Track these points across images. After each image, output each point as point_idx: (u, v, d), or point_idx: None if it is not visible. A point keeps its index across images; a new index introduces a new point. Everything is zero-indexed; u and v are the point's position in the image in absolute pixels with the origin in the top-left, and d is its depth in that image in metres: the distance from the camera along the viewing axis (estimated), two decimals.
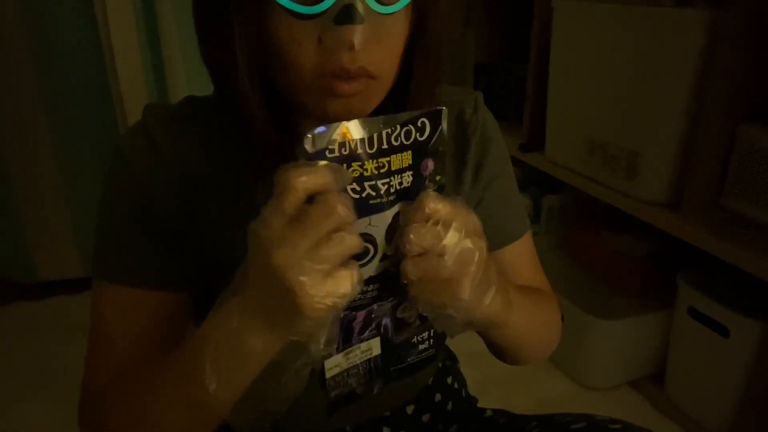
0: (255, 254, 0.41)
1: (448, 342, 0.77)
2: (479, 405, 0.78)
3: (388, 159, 0.43)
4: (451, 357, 0.79)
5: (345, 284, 0.40)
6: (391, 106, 0.50)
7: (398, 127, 0.43)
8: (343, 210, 0.39)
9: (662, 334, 1.44)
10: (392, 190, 0.44)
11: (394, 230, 0.45)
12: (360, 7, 0.44)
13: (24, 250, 1.80)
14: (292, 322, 0.41)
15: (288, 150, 0.47)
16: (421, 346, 0.56)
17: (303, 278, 0.38)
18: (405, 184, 0.44)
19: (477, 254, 0.45)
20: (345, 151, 0.41)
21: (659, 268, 1.49)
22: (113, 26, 1.54)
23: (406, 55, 0.51)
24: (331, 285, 0.39)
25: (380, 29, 0.46)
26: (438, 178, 0.46)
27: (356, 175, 0.42)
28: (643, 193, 1.34)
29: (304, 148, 0.40)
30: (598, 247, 1.62)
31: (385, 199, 0.44)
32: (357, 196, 0.42)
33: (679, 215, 1.25)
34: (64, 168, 1.76)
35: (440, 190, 0.47)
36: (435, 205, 0.43)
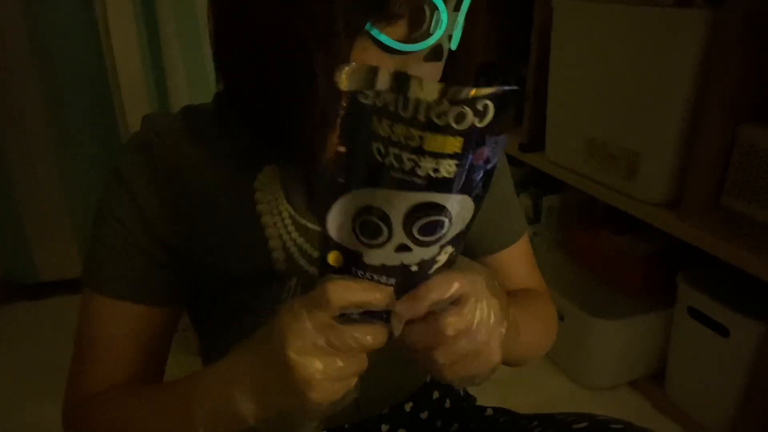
0: (275, 338, 0.41)
1: None
2: (478, 404, 0.78)
3: (421, 134, 0.36)
4: None
5: (345, 391, 0.42)
6: None
7: (445, 103, 0.36)
8: (371, 341, 0.41)
9: (662, 334, 1.44)
10: (421, 173, 0.37)
11: (417, 221, 0.39)
12: (445, 45, 0.48)
13: (24, 250, 1.80)
14: (289, 407, 0.42)
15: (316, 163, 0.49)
16: None
17: (312, 380, 0.40)
18: (444, 174, 0.38)
19: (496, 315, 0.44)
20: (379, 102, 0.37)
21: (659, 268, 1.48)
22: (113, 27, 1.54)
23: None
24: (334, 389, 0.41)
25: (443, 62, 0.50)
26: (488, 167, 0.40)
27: (384, 134, 0.37)
28: (643, 193, 1.34)
29: (338, 83, 0.37)
30: (598, 247, 1.62)
31: (408, 178, 0.38)
32: (379, 159, 0.38)
33: (679, 215, 1.25)
34: (64, 168, 1.76)
35: (465, 236, 0.43)
36: (461, 284, 0.42)
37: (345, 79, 0.37)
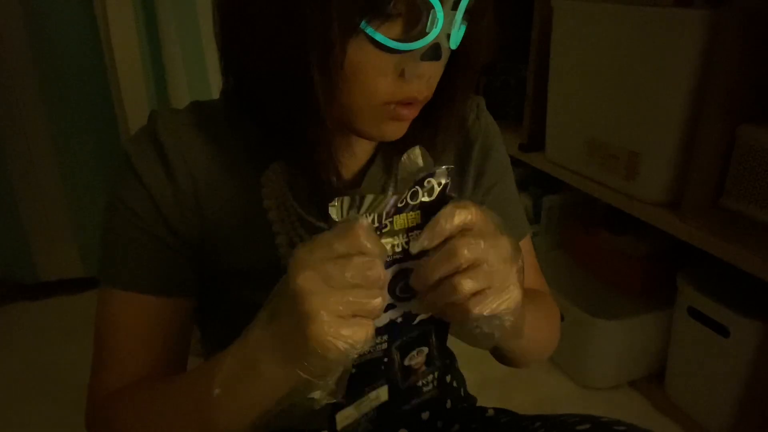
0: (287, 276, 0.41)
1: (448, 341, 0.77)
2: (479, 404, 0.78)
3: (390, 220, 0.44)
4: (450, 356, 0.79)
5: (359, 334, 0.40)
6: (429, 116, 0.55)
7: (406, 192, 0.44)
8: (383, 279, 0.41)
9: (662, 334, 1.44)
10: (399, 249, 0.44)
11: (396, 284, 0.46)
12: (444, 45, 0.47)
13: (24, 250, 1.80)
14: (303, 355, 0.41)
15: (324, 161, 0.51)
16: (425, 389, 0.58)
17: (322, 311, 0.39)
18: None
19: (513, 248, 0.45)
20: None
21: (659, 268, 1.48)
22: (113, 26, 1.53)
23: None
24: (345, 330, 0.39)
25: (444, 62, 0.49)
26: None
27: None
28: (643, 193, 1.34)
29: (331, 215, 0.42)
30: (598, 247, 1.62)
31: (390, 258, 0.44)
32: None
33: (679, 215, 1.25)
34: (64, 168, 1.76)
35: None
36: (466, 215, 0.43)
37: (336, 210, 0.42)
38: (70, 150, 1.74)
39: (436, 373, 0.57)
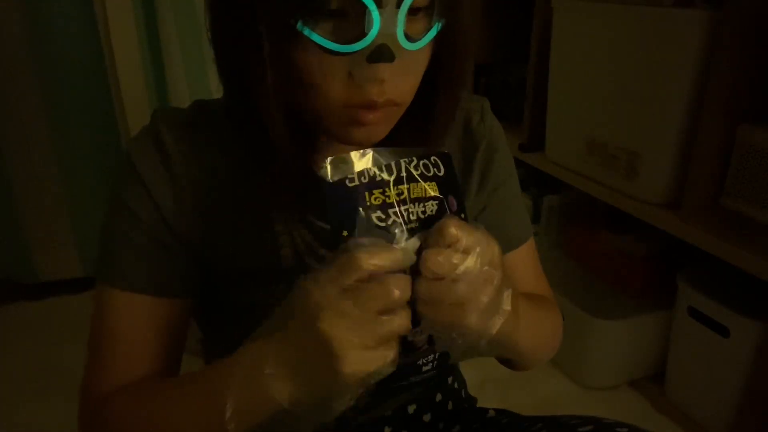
0: (301, 312, 0.41)
1: None
2: (479, 405, 0.78)
3: (407, 186, 0.44)
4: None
5: (387, 357, 0.41)
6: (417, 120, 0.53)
7: (414, 159, 0.44)
8: (399, 294, 0.41)
9: (662, 334, 1.44)
10: (413, 218, 0.44)
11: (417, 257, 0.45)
12: (393, 46, 0.45)
13: (24, 251, 1.80)
14: (324, 383, 0.41)
15: (305, 161, 0.51)
16: (424, 368, 0.57)
17: (350, 351, 0.39)
18: (429, 213, 0.45)
19: (490, 284, 0.44)
20: (364, 179, 0.43)
21: (659, 268, 1.49)
22: (113, 26, 1.54)
23: (430, 71, 0.51)
24: (374, 358, 0.40)
25: (408, 63, 0.47)
26: (462, 216, 0.47)
27: (379, 202, 0.43)
28: (643, 193, 1.34)
29: (324, 177, 0.41)
30: (598, 247, 1.62)
31: (406, 227, 0.44)
32: (383, 224, 0.43)
33: (679, 215, 1.25)
34: (64, 168, 1.75)
35: None
36: (456, 231, 0.43)
37: (329, 173, 0.41)
38: (69, 150, 1.74)
39: (437, 354, 0.57)
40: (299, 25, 0.44)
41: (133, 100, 1.61)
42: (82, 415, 0.58)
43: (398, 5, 0.44)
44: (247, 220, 0.57)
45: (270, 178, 0.54)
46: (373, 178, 0.43)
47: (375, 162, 0.43)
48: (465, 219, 0.47)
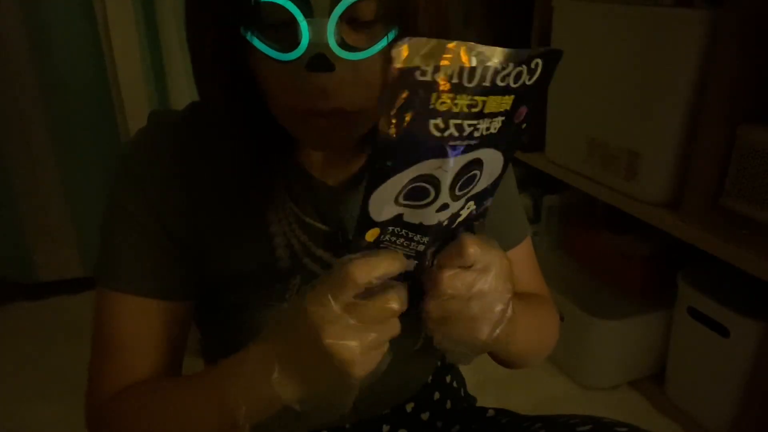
0: (303, 329, 0.42)
1: None
2: (478, 405, 0.78)
3: (484, 99, 0.37)
4: None
5: (382, 357, 0.44)
6: None
7: (511, 66, 0.37)
8: (397, 306, 0.43)
9: (662, 334, 1.44)
10: (476, 134, 0.38)
11: (462, 178, 0.41)
12: (330, 56, 0.43)
13: (24, 250, 1.80)
14: (331, 386, 0.44)
15: (294, 159, 0.51)
16: None
17: (358, 357, 0.42)
18: (492, 130, 0.39)
19: (502, 299, 0.47)
20: (441, 76, 0.35)
21: (659, 268, 1.48)
22: (113, 26, 1.54)
23: None
24: (372, 359, 0.43)
25: (355, 72, 0.45)
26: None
27: (444, 108, 0.36)
28: (643, 193, 1.34)
29: (393, 62, 0.34)
30: (598, 247, 1.62)
31: (465, 143, 0.38)
32: (438, 134, 0.37)
33: (679, 215, 1.25)
34: (64, 168, 1.76)
35: (483, 215, 0.47)
36: (474, 251, 0.45)
37: (404, 54, 0.34)
38: (69, 150, 1.74)
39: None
40: (248, 34, 0.45)
41: (133, 99, 1.61)
42: (88, 416, 0.58)
43: (329, 14, 0.43)
44: (242, 221, 0.57)
45: (262, 178, 0.54)
46: (450, 77, 0.35)
47: (468, 58, 0.35)
48: (524, 130, 0.42)
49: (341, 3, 0.43)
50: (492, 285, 0.46)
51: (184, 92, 1.63)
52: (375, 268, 0.42)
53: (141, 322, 0.57)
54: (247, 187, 0.56)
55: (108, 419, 0.56)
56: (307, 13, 0.43)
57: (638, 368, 1.50)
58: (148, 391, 0.55)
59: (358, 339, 0.41)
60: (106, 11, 1.52)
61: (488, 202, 0.47)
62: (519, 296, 0.59)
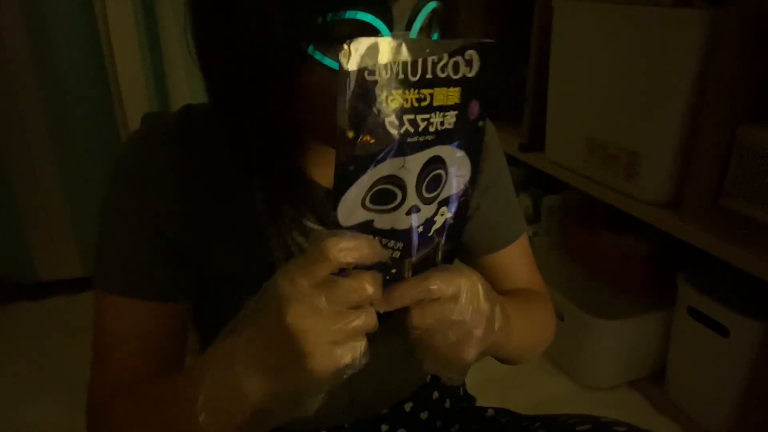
0: (270, 305, 0.40)
1: None
2: (478, 404, 0.78)
3: (431, 91, 0.38)
4: None
5: (355, 352, 0.40)
6: None
7: (446, 56, 0.38)
8: (372, 290, 0.40)
9: (662, 334, 1.44)
10: (431, 129, 0.39)
11: (426, 177, 0.41)
12: None
13: (24, 250, 1.80)
14: (294, 379, 0.41)
15: (294, 162, 0.51)
16: None
17: (319, 347, 0.38)
18: (447, 125, 0.40)
19: (481, 319, 0.46)
20: (387, 74, 0.36)
21: (659, 268, 1.48)
22: (113, 27, 1.54)
23: None
24: (343, 354, 0.39)
25: None
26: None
27: (396, 105, 0.37)
28: (643, 193, 1.34)
29: (341, 64, 0.35)
30: (598, 247, 1.62)
31: (422, 138, 0.39)
32: (394, 132, 0.38)
33: (679, 215, 1.25)
34: (64, 168, 1.76)
35: (465, 206, 0.46)
36: (438, 285, 0.43)
37: (349, 58, 0.35)
38: (70, 150, 1.74)
39: None
40: (310, 49, 0.44)
41: (133, 100, 1.61)
42: (89, 416, 0.58)
43: (408, 27, 0.44)
44: (238, 223, 0.57)
45: (260, 181, 0.54)
46: (396, 74, 0.36)
47: (407, 54, 0.36)
48: (483, 128, 0.43)
49: (420, 14, 0.43)
50: (464, 311, 0.44)
51: (184, 92, 1.63)
52: (351, 247, 0.39)
53: (138, 324, 0.57)
54: (243, 188, 0.56)
55: (107, 418, 0.56)
56: (391, 27, 0.43)
57: (638, 368, 1.50)
58: (140, 391, 0.55)
59: (325, 325, 0.38)
60: (106, 11, 1.52)
61: (466, 211, 0.47)
62: (513, 294, 0.59)
